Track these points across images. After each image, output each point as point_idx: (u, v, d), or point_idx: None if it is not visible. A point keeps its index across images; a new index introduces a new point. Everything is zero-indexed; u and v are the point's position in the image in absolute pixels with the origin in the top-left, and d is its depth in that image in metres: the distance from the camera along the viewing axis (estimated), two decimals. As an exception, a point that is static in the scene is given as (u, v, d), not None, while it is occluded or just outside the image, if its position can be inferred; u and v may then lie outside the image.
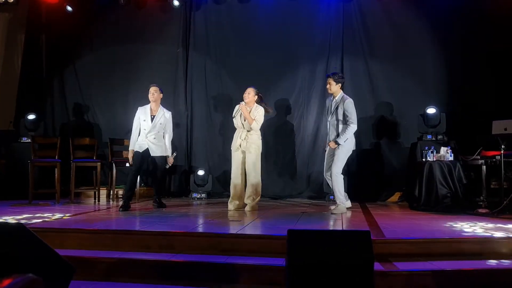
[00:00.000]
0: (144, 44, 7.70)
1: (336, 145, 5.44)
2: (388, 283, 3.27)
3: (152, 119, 5.82)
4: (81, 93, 7.83)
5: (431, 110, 6.40)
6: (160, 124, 5.85)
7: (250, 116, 5.67)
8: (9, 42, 8.04)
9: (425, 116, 6.42)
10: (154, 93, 5.86)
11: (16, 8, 7.76)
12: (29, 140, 6.88)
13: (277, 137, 7.38)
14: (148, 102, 5.93)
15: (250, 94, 5.75)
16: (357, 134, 7.16)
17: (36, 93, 7.78)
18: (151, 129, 5.79)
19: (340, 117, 5.47)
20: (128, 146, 6.17)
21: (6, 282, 1.37)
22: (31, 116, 7.22)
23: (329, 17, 7.30)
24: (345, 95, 5.62)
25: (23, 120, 7.25)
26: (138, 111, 5.93)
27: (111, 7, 7.70)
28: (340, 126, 5.48)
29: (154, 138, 5.81)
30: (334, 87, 5.58)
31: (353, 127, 5.45)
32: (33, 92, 7.76)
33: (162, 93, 6.01)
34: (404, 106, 7.05)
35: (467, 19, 6.87)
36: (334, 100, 5.59)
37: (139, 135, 5.87)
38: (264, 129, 7.27)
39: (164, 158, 5.92)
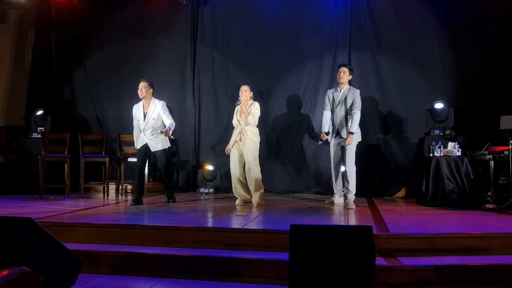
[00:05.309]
0: (152, 39, 7.75)
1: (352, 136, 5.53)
2: (392, 278, 3.29)
3: (144, 117, 5.75)
4: (90, 88, 7.91)
5: (439, 105, 6.37)
6: (153, 119, 5.75)
7: (247, 110, 5.75)
8: (20, 38, 8.12)
9: (432, 111, 6.38)
10: (142, 89, 5.70)
11: (26, 4, 7.84)
12: (39, 136, 6.97)
13: (285, 132, 7.39)
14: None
15: (246, 92, 5.83)
16: (364, 129, 7.23)
17: (46, 88, 7.86)
18: (145, 126, 5.76)
19: (348, 108, 5.59)
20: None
21: (4, 273, 1.41)
22: (41, 112, 7.30)
23: (336, 11, 7.28)
24: (352, 87, 5.75)
25: (33, 115, 7.34)
26: (133, 110, 5.89)
27: (119, 3, 7.75)
28: (348, 117, 5.60)
29: (152, 134, 5.77)
30: (347, 77, 5.68)
31: (359, 114, 5.60)
32: (43, 87, 7.84)
33: (153, 87, 5.82)
34: (412, 101, 7.01)
35: (475, 14, 6.81)
36: (342, 91, 5.68)
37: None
38: (271, 124, 7.32)
39: (166, 152, 5.91)
